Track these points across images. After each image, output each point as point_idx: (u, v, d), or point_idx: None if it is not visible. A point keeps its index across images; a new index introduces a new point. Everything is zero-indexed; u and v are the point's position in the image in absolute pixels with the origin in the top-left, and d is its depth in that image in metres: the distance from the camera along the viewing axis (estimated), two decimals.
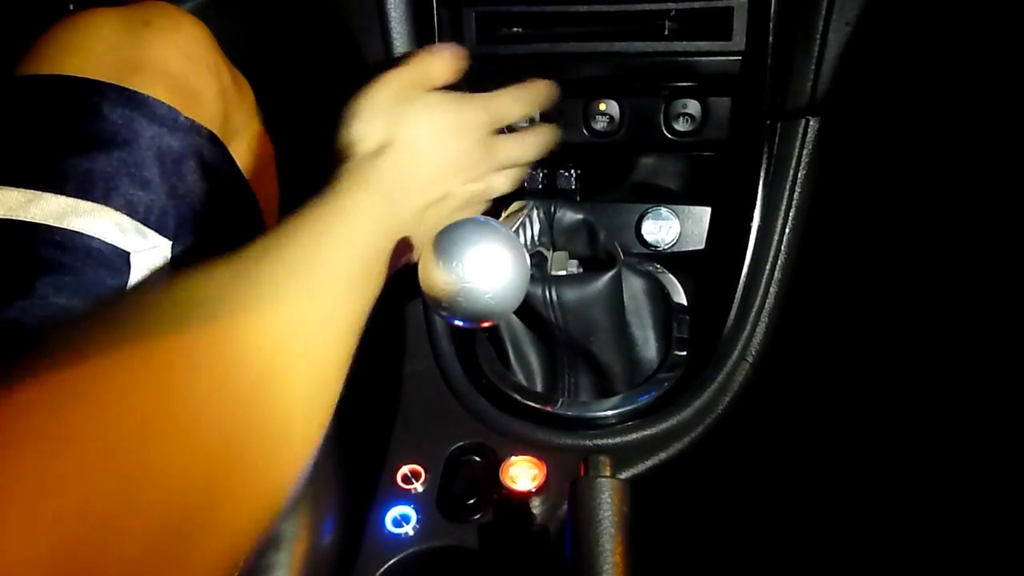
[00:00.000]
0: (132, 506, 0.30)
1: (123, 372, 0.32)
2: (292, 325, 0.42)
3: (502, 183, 0.67)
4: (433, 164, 0.59)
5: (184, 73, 0.60)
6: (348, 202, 0.51)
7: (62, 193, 0.51)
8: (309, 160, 0.81)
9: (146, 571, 0.30)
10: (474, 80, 0.78)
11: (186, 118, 0.58)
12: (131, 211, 0.53)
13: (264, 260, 0.44)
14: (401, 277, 0.55)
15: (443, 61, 0.62)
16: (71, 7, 0.79)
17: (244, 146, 0.69)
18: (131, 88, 0.56)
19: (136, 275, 0.53)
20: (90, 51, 0.57)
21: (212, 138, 0.60)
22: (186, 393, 0.34)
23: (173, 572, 0.31)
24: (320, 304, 0.45)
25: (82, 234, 0.51)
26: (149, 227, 0.54)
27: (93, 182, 0.52)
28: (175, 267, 0.55)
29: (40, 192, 0.51)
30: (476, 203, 0.64)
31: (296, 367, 0.41)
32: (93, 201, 0.51)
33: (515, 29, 0.77)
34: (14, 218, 0.50)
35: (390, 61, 0.63)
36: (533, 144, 0.67)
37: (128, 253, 0.52)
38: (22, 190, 0.50)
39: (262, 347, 0.39)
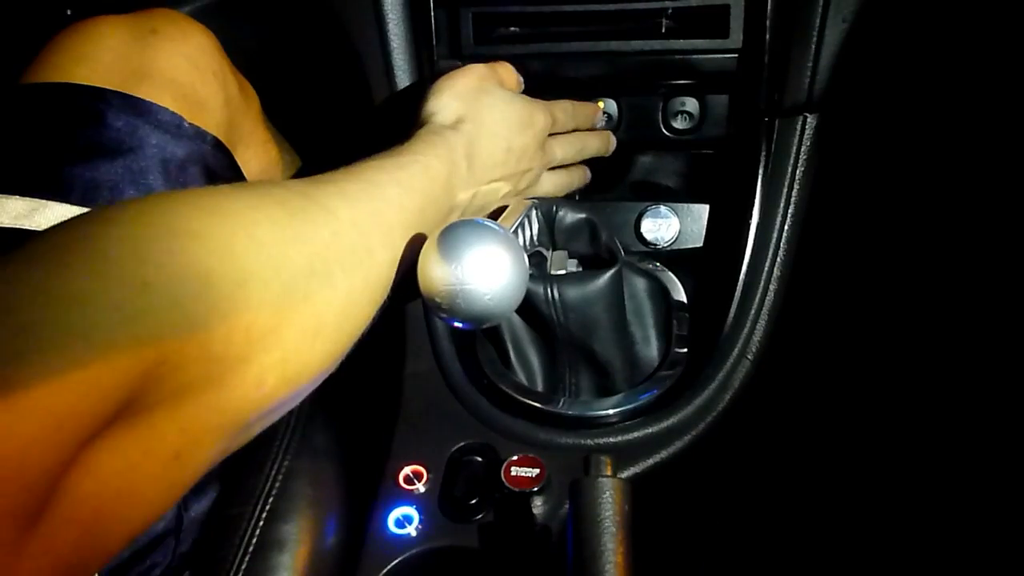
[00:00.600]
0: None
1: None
2: (340, 234, 0.44)
3: (548, 187, 0.74)
4: (498, 149, 0.63)
5: (191, 81, 0.60)
6: (420, 157, 0.55)
7: (67, 202, 0.51)
8: (315, 165, 0.82)
9: None
10: None
11: (190, 124, 0.58)
12: None
13: (326, 182, 0.48)
14: (402, 278, 0.55)
15: (512, 71, 0.70)
16: (69, 12, 0.79)
17: (250, 152, 0.69)
18: (136, 95, 0.56)
19: None
20: (97, 59, 0.57)
21: (217, 144, 0.61)
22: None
23: None
24: (368, 231, 0.47)
25: None
26: None
27: (98, 190, 0.52)
28: None
29: (45, 201, 0.51)
30: (519, 197, 0.70)
31: (337, 269, 0.43)
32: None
33: (512, 29, 0.77)
34: (19, 227, 0.50)
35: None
36: (582, 147, 0.75)
37: None
38: (27, 199, 0.50)
39: (319, 240, 0.42)
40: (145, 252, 0.32)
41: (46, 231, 0.33)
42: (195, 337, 0.32)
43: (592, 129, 0.80)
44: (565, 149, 0.74)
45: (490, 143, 0.63)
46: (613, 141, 0.80)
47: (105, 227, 0.33)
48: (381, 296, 0.48)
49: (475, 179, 0.62)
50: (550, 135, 0.71)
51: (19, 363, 0.26)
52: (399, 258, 0.50)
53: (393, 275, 0.49)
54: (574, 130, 0.76)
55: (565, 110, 0.73)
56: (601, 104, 0.80)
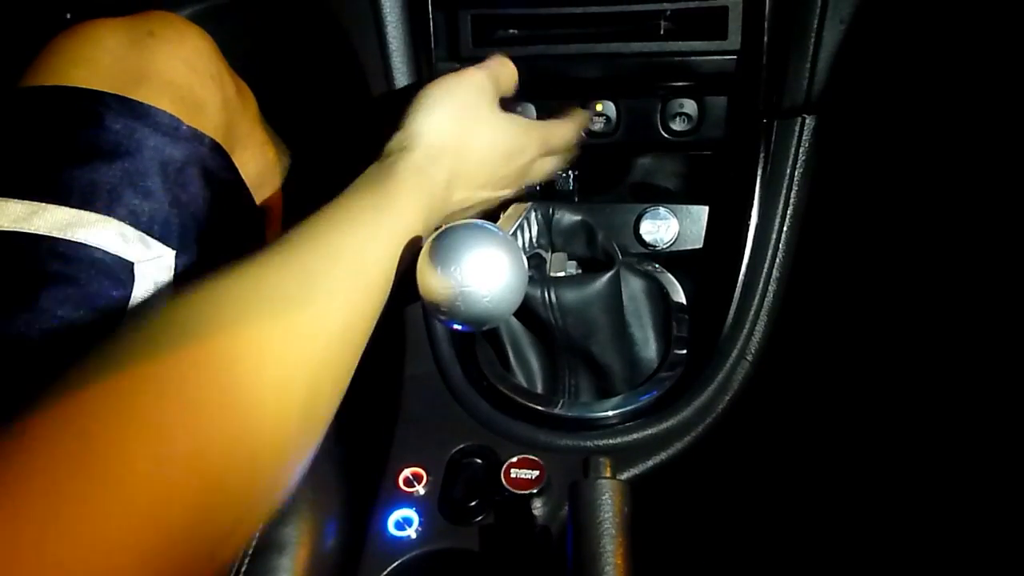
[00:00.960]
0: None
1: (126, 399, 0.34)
2: (305, 329, 0.43)
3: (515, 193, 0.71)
4: (478, 182, 0.62)
5: (188, 83, 0.60)
6: (401, 205, 0.53)
7: (66, 204, 0.51)
8: (313, 168, 0.82)
9: None
10: None
11: (188, 127, 0.58)
12: (134, 221, 0.53)
13: (316, 272, 0.46)
14: (401, 281, 0.55)
15: (511, 71, 0.67)
16: (68, 16, 0.79)
17: (248, 154, 0.69)
18: (134, 98, 0.56)
19: (140, 285, 0.53)
20: (95, 62, 0.57)
21: (215, 147, 0.61)
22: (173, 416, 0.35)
23: None
24: (355, 324, 0.47)
25: (86, 245, 0.51)
26: (153, 237, 0.54)
27: (96, 193, 0.52)
28: (179, 276, 0.56)
29: (44, 203, 0.51)
30: (489, 208, 0.67)
31: (307, 386, 0.43)
32: (96, 212, 0.52)
33: (511, 31, 0.77)
34: (18, 230, 0.50)
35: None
36: (563, 161, 0.73)
37: (132, 263, 0.53)
38: (26, 202, 0.50)
39: (274, 358, 0.41)
40: (165, 443, 0.34)
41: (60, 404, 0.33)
42: (206, 527, 0.35)
43: (600, 138, 0.79)
44: (545, 174, 0.71)
45: (473, 175, 0.61)
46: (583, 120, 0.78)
47: (120, 409, 0.34)
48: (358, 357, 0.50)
49: (451, 208, 0.60)
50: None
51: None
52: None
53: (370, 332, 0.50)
54: None
55: (563, 137, 0.70)
56: (600, 106, 0.80)
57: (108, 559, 0.30)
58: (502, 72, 0.66)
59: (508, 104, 0.81)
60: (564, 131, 0.70)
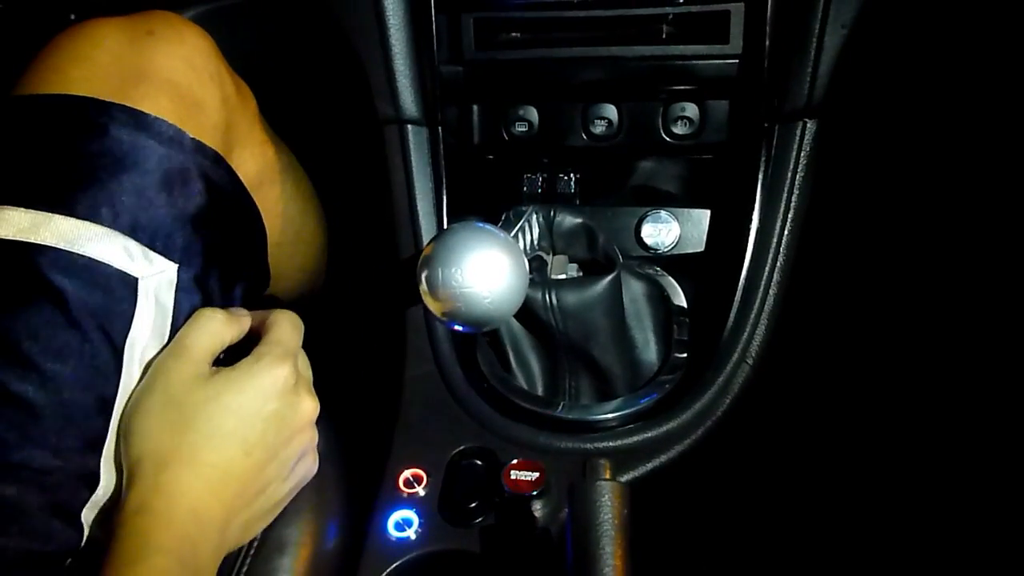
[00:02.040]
0: None
1: None
2: None
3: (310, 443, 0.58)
4: (238, 463, 0.50)
5: (188, 82, 0.60)
6: None
7: (72, 215, 0.51)
8: (313, 168, 0.82)
9: None
10: (475, 88, 0.79)
11: (192, 138, 0.58)
12: (138, 235, 0.53)
13: None
14: (401, 283, 0.56)
15: (202, 333, 0.54)
16: (72, 16, 0.79)
17: (247, 154, 0.69)
18: (138, 108, 0.56)
19: (143, 302, 0.53)
20: (94, 61, 0.57)
21: (217, 158, 0.61)
22: None
23: None
24: None
25: (93, 259, 0.51)
26: (155, 252, 0.54)
27: (101, 205, 0.52)
28: (181, 291, 0.56)
29: (50, 214, 0.51)
30: (303, 471, 0.57)
31: None
32: (102, 224, 0.52)
33: (513, 34, 0.77)
34: (24, 240, 0.50)
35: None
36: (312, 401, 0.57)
37: (136, 280, 0.53)
38: (32, 211, 0.50)
39: None
40: None
41: None
42: None
43: (601, 141, 0.79)
44: (312, 403, 0.56)
45: (226, 466, 0.49)
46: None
47: None
48: None
49: (221, 526, 0.49)
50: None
51: None
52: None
53: None
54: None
55: (287, 337, 0.56)
56: (602, 110, 0.81)
57: None
58: (205, 328, 0.54)
59: (510, 108, 0.81)
60: (286, 331, 0.57)
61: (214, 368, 0.52)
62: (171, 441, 0.48)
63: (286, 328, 0.56)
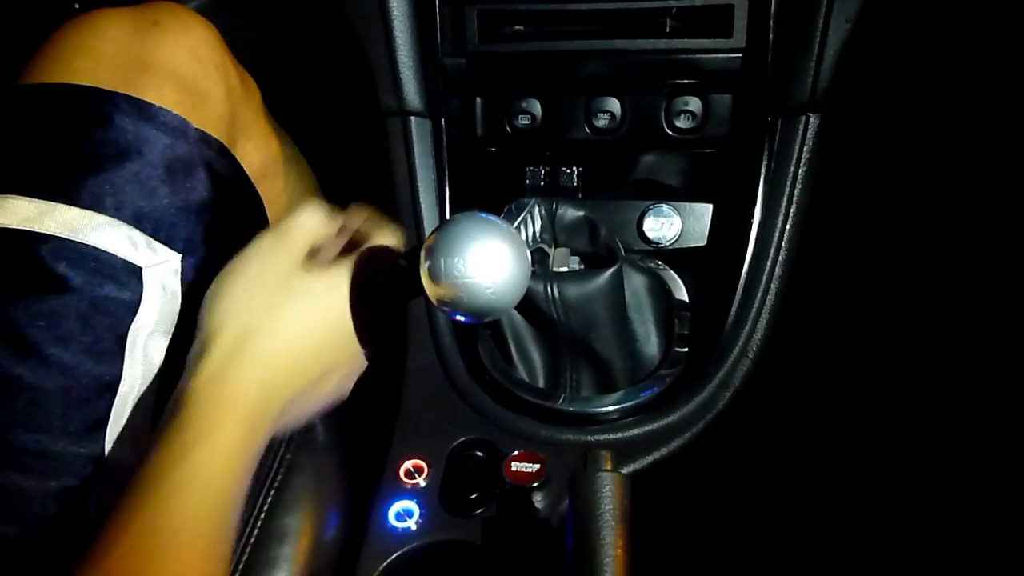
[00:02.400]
0: None
1: None
2: None
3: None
4: (302, 355, 0.51)
5: (192, 73, 0.60)
6: (216, 439, 0.45)
7: (76, 205, 0.51)
8: (316, 159, 0.82)
9: None
10: (478, 80, 0.79)
11: (196, 129, 0.58)
12: (141, 224, 0.53)
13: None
14: (403, 273, 0.56)
15: (318, 220, 0.54)
16: (76, 6, 0.79)
17: (251, 145, 0.69)
18: (142, 99, 0.56)
19: (148, 290, 0.53)
20: (99, 51, 0.57)
21: (222, 149, 0.61)
22: None
23: None
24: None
25: (96, 248, 0.51)
26: (159, 241, 0.54)
27: (106, 194, 0.52)
28: (184, 280, 0.56)
29: (54, 203, 0.51)
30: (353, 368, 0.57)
31: None
32: (105, 214, 0.52)
33: (517, 27, 0.77)
34: (28, 229, 0.50)
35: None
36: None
37: (140, 268, 0.53)
38: (36, 201, 0.51)
39: None
40: None
41: None
42: None
43: (604, 135, 0.79)
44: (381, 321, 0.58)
45: (290, 365, 0.50)
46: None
47: None
48: None
49: (280, 403, 0.50)
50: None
51: None
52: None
53: None
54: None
55: (374, 262, 0.56)
56: (605, 103, 0.81)
57: None
58: (308, 222, 0.54)
59: (513, 101, 0.81)
60: (376, 258, 0.56)
61: (309, 262, 0.52)
62: (256, 319, 0.48)
63: (385, 237, 0.57)
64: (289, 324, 0.49)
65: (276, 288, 0.50)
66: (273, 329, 0.49)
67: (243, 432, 0.46)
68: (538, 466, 0.65)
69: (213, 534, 0.44)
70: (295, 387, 0.50)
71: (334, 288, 0.52)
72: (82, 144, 0.54)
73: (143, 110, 0.56)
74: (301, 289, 0.51)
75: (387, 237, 0.57)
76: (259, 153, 0.70)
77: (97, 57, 0.57)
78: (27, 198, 0.51)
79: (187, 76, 0.60)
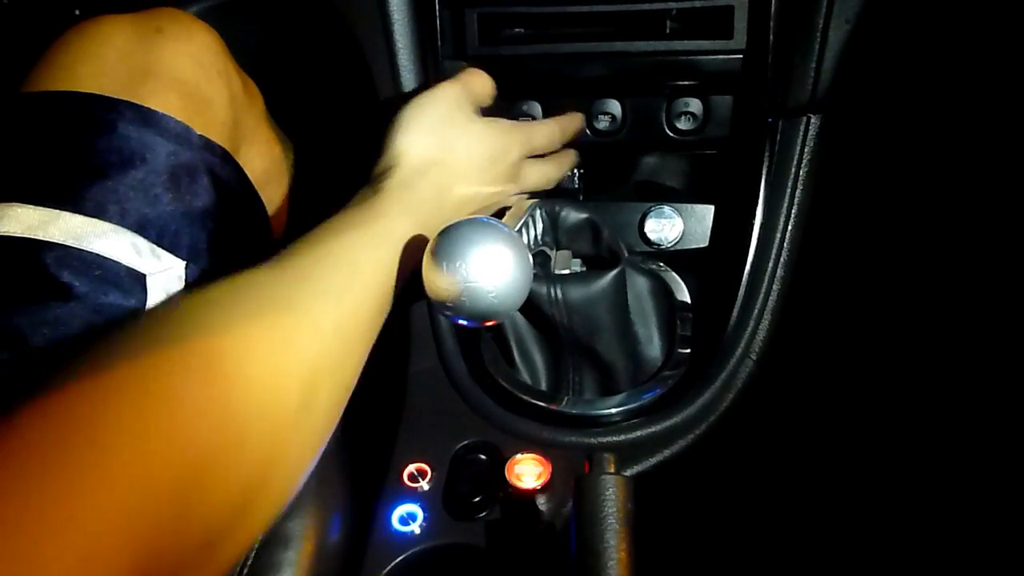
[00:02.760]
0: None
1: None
2: (309, 342, 0.44)
3: (531, 181, 0.72)
4: (468, 189, 0.63)
5: (196, 80, 0.60)
6: (392, 221, 0.54)
7: (81, 213, 0.51)
8: (320, 165, 0.82)
9: None
10: None
11: (199, 135, 0.58)
12: (145, 232, 0.53)
13: (308, 278, 0.47)
14: (405, 282, 0.56)
15: (486, 80, 0.68)
16: (77, 12, 0.79)
17: (254, 151, 0.69)
18: (146, 105, 0.56)
19: (152, 297, 0.53)
20: (102, 59, 0.57)
21: (225, 155, 0.61)
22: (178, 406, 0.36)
23: None
24: (350, 335, 0.47)
25: (100, 256, 0.51)
26: (163, 248, 0.54)
27: (110, 202, 0.52)
28: (189, 286, 0.56)
29: (59, 211, 0.51)
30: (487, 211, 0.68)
31: (324, 385, 0.44)
32: (109, 221, 0.52)
33: (517, 30, 0.77)
34: (33, 237, 0.50)
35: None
36: (555, 170, 0.74)
37: (144, 275, 0.53)
38: (41, 208, 0.50)
39: (280, 365, 0.41)
40: (142, 433, 0.33)
41: (36, 414, 0.33)
42: (194, 514, 0.34)
43: (605, 137, 0.80)
44: (539, 176, 0.72)
45: (462, 184, 0.62)
46: (575, 157, 0.79)
47: (103, 406, 0.34)
48: (352, 387, 0.50)
49: (442, 219, 0.59)
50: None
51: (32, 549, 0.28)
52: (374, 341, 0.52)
53: (363, 363, 0.50)
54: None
55: (545, 135, 0.71)
56: (605, 105, 0.81)
57: (91, 547, 0.30)
58: (475, 82, 0.67)
59: (513, 104, 0.81)
60: (546, 130, 0.71)
61: (479, 113, 0.66)
62: (438, 150, 0.61)
63: (543, 130, 0.71)
64: (460, 156, 0.62)
65: (456, 128, 0.63)
66: (453, 159, 0.61)
67: (416, 225, 0.55)
68: (541, 469, 0.65)
69: (371, 298, 0.50)
70: (453, 210, 0.61)
71: (491, 131, 0.65)
72: (86, 151, 0.54)
73: (146, 117, 0.56)
74: (472, 129, 0.64)
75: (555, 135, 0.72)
76: (262, 159, 0.70)
77: (100, 64, 0.57)
78: (31, 206, 0.51)
79: (190, 82, 0.60)
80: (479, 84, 0.68)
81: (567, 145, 0.77)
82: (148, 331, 0.39)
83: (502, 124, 0.66)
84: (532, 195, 0.84)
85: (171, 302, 0.46)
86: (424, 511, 0.65)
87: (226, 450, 0.37)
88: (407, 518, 0.65)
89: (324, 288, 0.46)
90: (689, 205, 0.84)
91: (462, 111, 0.64)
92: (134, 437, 0.33)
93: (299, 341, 0.43)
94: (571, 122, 0.75)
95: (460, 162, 0.62)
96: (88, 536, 0.30)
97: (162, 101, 0.57)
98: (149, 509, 0.32)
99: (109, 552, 0.30)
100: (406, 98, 0.65)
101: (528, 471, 0.65)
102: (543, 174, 0.72)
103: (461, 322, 0.51)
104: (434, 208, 0.59)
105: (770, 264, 0.73)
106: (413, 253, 0.55)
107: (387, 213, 0.55)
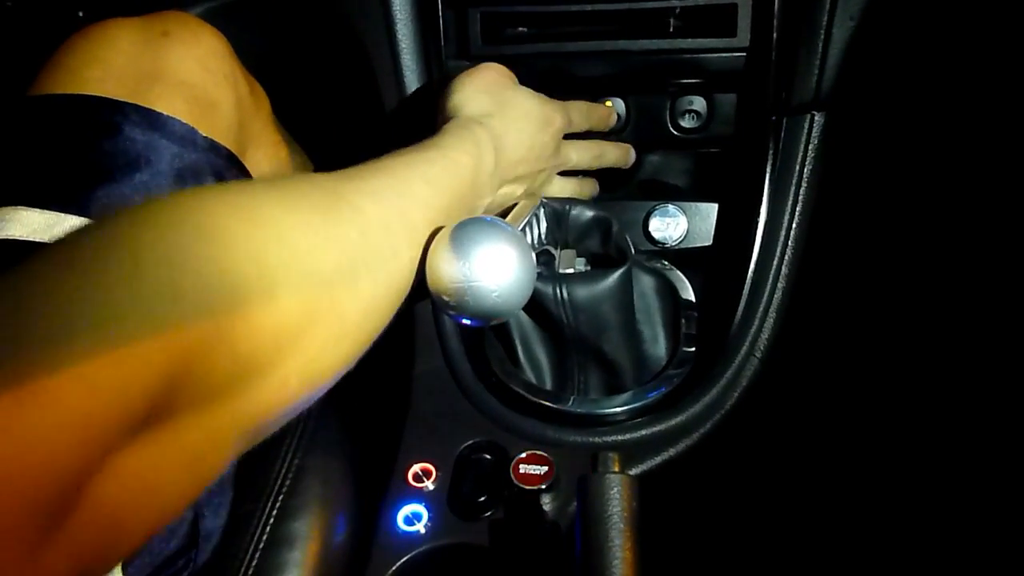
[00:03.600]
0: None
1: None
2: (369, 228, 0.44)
3: (556, 189, 0.76)
4: (522, 145, 0.64)
5: (202, 83, 0.60)
6: (449, 152, 0.55)
7: (86, 216, 0.51)
8: (325, 166, 0.82)
9: None
10: None
11: (205, 137, 0.58)
12: None
13: (357, 179, 0.47)
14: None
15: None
16: (81, 14, 0.80)
17: (260, 154, 0.69)
18: (151, 108, 0.56)
19: None
20: (108, 62, 0.58)
21: (230, 157, 0.61)
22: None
23: None
24: (395, 230, 0.47)
25: None
26: None
27: (114, 204, 0.52)
28: None
29: (64, 214, 0.51)
30: (533, 198, 0.70)
31: (364, 270, 0.43)
32: None
33: (520, 29, 0.77)
34: (37, 240, 0.50)
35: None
36: (599, 153, 0.77)
37: None
38: (45, 212, 0.51)
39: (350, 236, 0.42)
40: (177, 258, 0.32)
41: (72, 235, 0.32)
42: (223, 343, 0.33)
43: (609, 135, 0.80)
44: (580, 154, 0.74)
45: (515, 139, 0.63)
46: (632, 155, 0.81)
47: (135, 230, 0.32)
48: (403, 295, 0.48)
49: (499, 175, 0.62)
50: (565, 137, 0.71)
51: (51, 365, 0.26)
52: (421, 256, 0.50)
53: (414, 274, 0.49)
54: (588, 132, 0.76)
55: (580, 111, 0.73)
56: (609, 103, 0.81)
57: (123, 352, 0.28)
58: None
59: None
60: (581, 106, 0.74)
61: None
62: (491, 102, 0.63)
63: (580, 107, 0.74)
64: (517, 116, 0.64)
65: (507, 91, 0.66)
66: (507, 114, 0.63)
67: (475, 164, 0.57)
68: (546, 468, 0.65)
69: (414, 219, 0.49)
70: (508, 166, 0.63)
71: (538, 97, 0.68)
72: (91, 154, 0.54)
73: (152, 119, 0.56)
74: (521, 93, 0.66)
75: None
76: (268, 161, 0.70)
77: (106, 67, 0.58)
78: (37, 209, 0.51)
79: (196, 85, 0.60)
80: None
81: (606, 137, 0.80)
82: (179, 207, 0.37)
83: (543, 96, 0.69)
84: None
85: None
86: (429, 511, 0.65)
87: (258, 292, 0.35)
88: (412, 518, 0.65)
89: (373, 188, 0.47)
90: (693, 203, 0.84)
91: (510, 79, 0.67)
92: (171, 268, 0.32)
93: (340, 219, 0.42)
94: (598, 108, 0.78)
95: (514, 119, 0.64)
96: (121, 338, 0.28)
97: (168, 104, 0.57)
98: (183, 323, 0.31)
99: (143, 352, 0.29)
100: (415, 99, 0.66)
101: (533, 470, 0.65)
102: (581, 154, 0.75)
103: (465, 321, 0.50)
104: (493, 149, 0.60)
105: (775, 262, 0.73)
106: (471, 188, 0.57)
107: (445, 145, 0.56)
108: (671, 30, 0.74)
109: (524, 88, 0.68)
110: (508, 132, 0.63)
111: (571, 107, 0.72)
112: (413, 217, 0.48)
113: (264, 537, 0.62)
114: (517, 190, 0.67)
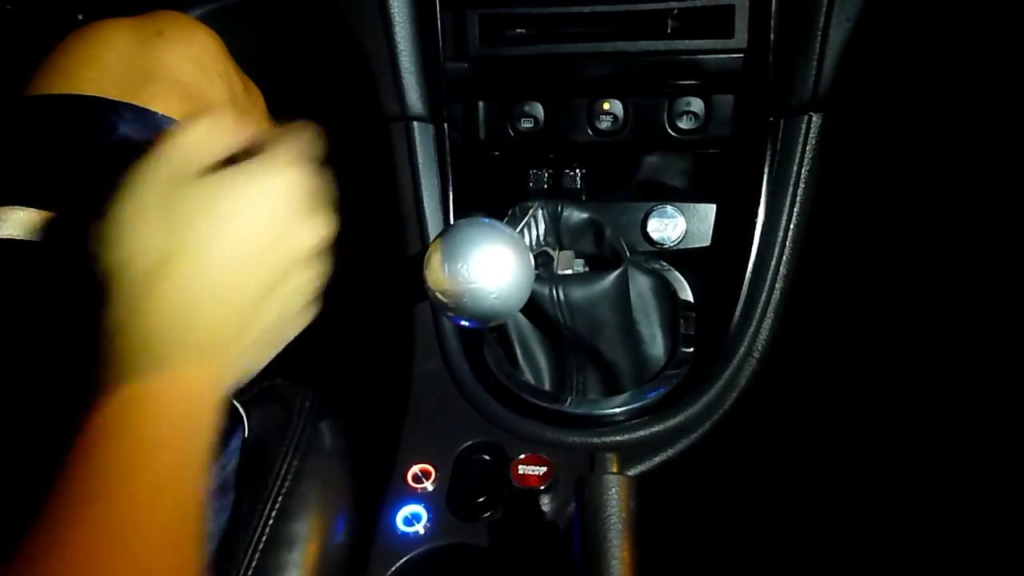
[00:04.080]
0: None
1: None
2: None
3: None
4: (238, 267, 0.42)
5: (196, 82, 0.61)
6: (148, 423, 0.38)
7: (81, 216, 0.51)
8: (320, 164, 0.82)
9: None
10: (481, 84, 0.79)
11: None
12: None
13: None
14: (408, 279, 0.56)
15: (212, 126, 0.45)
16: (80, 17, 0.80)
17: None
18: (146, 107, 0.56)
19: None
20: (103, 62, 0.58)
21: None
22: None
23: None
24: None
25: None
26: None
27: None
28: None
29: (56, 214, 0.51)
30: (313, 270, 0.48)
31: None
32: None
33: (518, 30, 0.78)
34: (32, 239, 0.50)
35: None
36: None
37: None
38: (40, 211, 0.51)
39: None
40: None
41: None
42: None
43: (608, 136, 0.79)
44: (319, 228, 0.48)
45: (223, 267, 0.41)
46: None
47: None
48: None
49: (228, 326, 0.42)
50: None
51: None
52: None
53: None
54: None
55: (282, 164, 0.47)
56: (607, 105, 0.81)
57: None
58: (198, 134, 0.44)
59: (515, 104, 0.81)
60: (280, 160, 0.47)
61: (204, 173, 0.43)
62: (162, 244, 0.40)
63: (299, 136, 0.49)
64: (198, 243, 0.41)
65: (167, 206, 0.41)
66: (183, 253, 0.40)
67: (174, 375, 0.39)
68: (545, 469, 0.65)
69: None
70: (238, 315, 0.42)
71: (238, 187, 0.43)
72: (85, 153, 0.54)
73: (146, 118, 0.56)
74: (199, 196, 0.42)
75: (303, 131, 0.50)
76: None
77: (101, 68, 0.58)
78: (33, 209, 0.51)
79: (191, 85, 0.60)
80: (204, 135, 0.45)
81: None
82: None
83: (246, 174, 0.44)
84: (534, 195, 0.84)
85: None
86: (428, 512, 0.65)
87: None
88: (411, 519, 0.65)
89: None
90: (691, 204, 0.84)
91: (184, 177, 0.43)
92: None
93: None
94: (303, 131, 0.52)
95: (211, 240, 0.42)
96: None
97: (163, 103, 0.57)
98: None
99: None
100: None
101: (532, 471, 0.65)
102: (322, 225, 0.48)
103: (463, 323, 0.51)
104: (198, 320, 0.41)
105: (772, 262, 0.73)
106: (208, 392, 0.41)
107: (128, 394, 0.39)
108: (669, 31, 0.74)
109: (210, 178, 0.43)
110: (205, 265, 0.41)
111: (282, 163, 0.46)
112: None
113: (264, 538, 0.63)
114: (287, 288, 0.45)
